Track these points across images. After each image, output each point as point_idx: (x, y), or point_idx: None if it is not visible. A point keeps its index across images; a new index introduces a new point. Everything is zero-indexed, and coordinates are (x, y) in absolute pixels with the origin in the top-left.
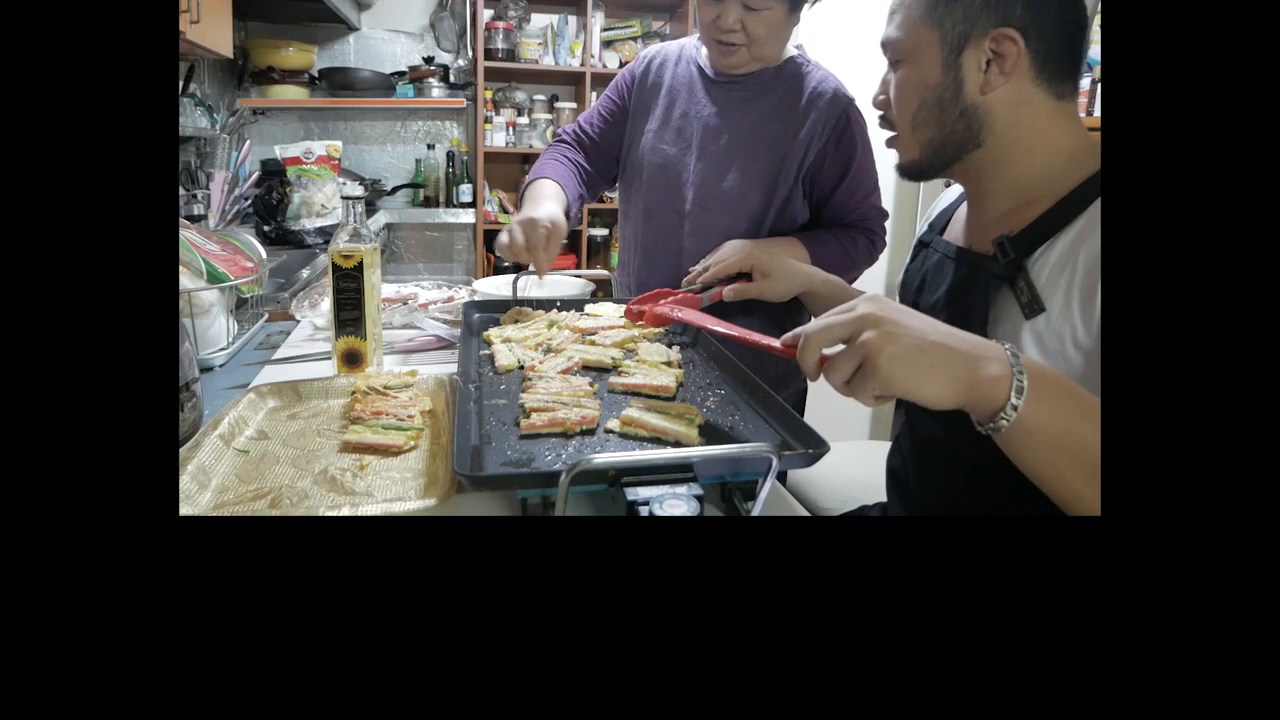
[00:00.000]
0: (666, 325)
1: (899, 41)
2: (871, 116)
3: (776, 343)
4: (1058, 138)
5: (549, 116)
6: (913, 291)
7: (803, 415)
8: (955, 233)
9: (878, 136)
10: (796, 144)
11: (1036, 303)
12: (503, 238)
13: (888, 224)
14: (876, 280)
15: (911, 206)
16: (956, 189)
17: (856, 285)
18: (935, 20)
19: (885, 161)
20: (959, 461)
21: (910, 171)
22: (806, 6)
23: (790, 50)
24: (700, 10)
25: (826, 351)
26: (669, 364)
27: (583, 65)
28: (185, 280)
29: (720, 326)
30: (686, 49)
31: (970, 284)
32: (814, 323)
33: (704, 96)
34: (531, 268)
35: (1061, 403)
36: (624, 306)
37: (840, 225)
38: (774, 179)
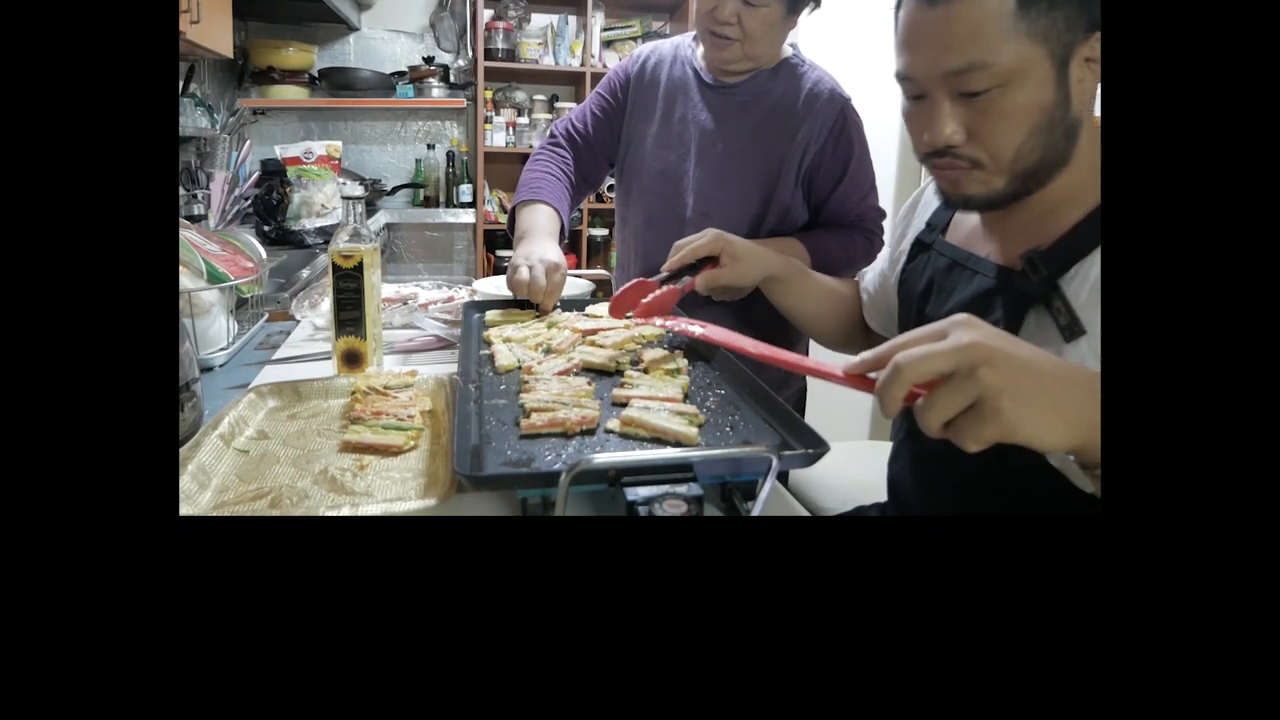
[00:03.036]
0: (673, 328)
1: (988, 66)
2: (874, 118)
3: (837, 370)
4: (1087, 143)
5: (549, 116)
6: (916, 296)
7: (803, 415)
8: (962, 235)
9: (874, 136)
10: (794, 146)
11: (1076, 325)
12: (522, 275)
13: (885, 223)
14: None
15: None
16: None
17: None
18: (1038, 34)
19: (882, 161)
20: (957, 474)
21: (982, 204)
22: (805, 11)
23: (785, 50)
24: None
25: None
26: (676, 371)
27: (583, 65)
28: (185, 280)
29: (757, 347)
30: (681, 49)
31: (993, 299)
32: (906, 352)
33: (700, 101)
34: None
35: None
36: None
37: (838, 226)
38: (773, 182)
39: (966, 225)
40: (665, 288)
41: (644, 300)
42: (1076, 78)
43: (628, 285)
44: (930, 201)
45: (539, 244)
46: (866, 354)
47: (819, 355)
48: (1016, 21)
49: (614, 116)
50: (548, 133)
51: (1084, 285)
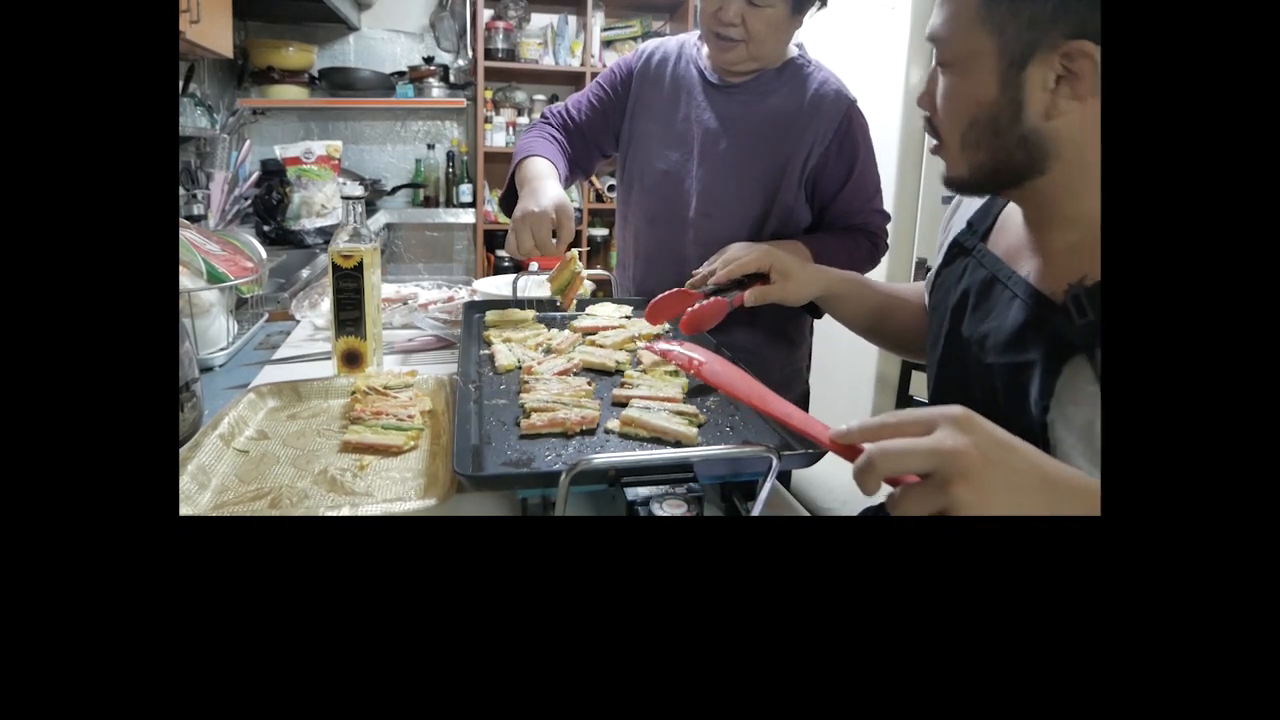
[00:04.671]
0: (674, 358)
1: (946, 42)
2: (873, 118)
3: (824, 435)
4: None
5: None
6: (950, 306)
7: None
8: (1005, 246)
9: (875, 137)
10: (798, 147)
11: None
12: (510, 241)
13: (889, 226)
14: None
15: (911, 209)
16: None
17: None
18: (994, 24)
19: (883, 162)
20: None
21: (957, 187)
22: (811, 11)
23: (791, 51)
24: (703, 0)
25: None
26: (676, 371)
27: (583, 65)
28: (185, 280)
29: (750, 393)
30: (686, 47)
31: (1034, 335)
32: (884, 444)
33: (704, 101)
34: (534, 266)
35: None
36: (625, 307)
37: (843, 228)
38: (776, 183)
39: (1011, 233)
40: (713, 299)
41: (689, 310)
42: (1039, 84)
43: (666, 294)
44: (971, 202)
45: (529, 196)
46: (854, 425)
47: (818, 401)
48: (980, 6)
49: (611, 109)
50: (540, 114)
51: None
